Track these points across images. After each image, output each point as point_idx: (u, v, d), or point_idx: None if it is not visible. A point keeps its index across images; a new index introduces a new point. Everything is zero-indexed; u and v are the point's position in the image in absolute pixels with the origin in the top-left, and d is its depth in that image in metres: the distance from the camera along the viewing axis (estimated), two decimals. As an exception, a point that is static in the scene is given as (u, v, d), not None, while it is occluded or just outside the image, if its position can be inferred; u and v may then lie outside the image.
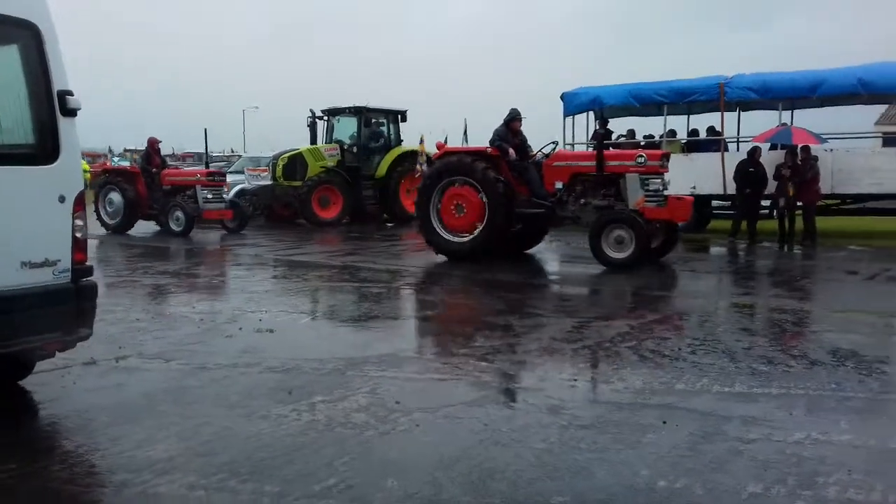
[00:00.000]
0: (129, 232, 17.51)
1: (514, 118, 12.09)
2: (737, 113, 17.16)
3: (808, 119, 16.73)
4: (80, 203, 4.61)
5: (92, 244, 14.44)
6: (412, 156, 20.57)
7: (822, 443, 3.97)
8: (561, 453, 3.85)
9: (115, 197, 17.49)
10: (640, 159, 10.90)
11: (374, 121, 20.73)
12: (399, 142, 21.01)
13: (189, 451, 3.88)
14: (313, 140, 20.60)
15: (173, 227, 16.43)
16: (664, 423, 4.25)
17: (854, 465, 3.68)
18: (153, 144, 18.19)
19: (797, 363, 5.64)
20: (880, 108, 29.44)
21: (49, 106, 4.43)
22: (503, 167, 11.52)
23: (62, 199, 4.50)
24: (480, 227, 11.40)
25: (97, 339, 6.26)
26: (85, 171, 42.06)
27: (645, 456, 3.79)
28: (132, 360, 5.70)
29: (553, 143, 12.50)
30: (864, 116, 30.77)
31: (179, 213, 16.41)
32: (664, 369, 5.43)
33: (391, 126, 21.04)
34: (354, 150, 20.37)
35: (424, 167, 15.96)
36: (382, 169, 20.06)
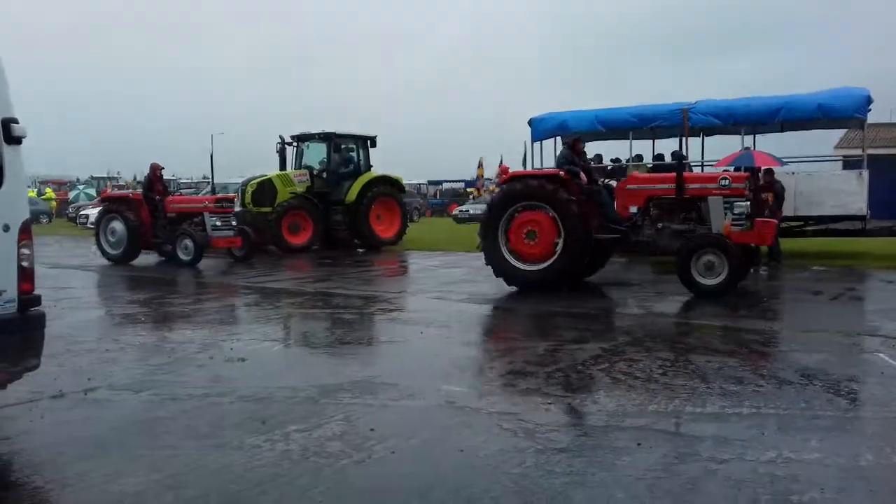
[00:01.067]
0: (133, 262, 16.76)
1: (577, 139, 11.78)
2: (700, 138, 17.49)
3: (769, 143, 17.12)
4: (25, 232, 4.54)
5: (84, 276, 14.35)
6: (383, 181, 20.64)
7: (794, 461, 4.02)
8: (537, 478, 3.85)
9: (118, 226, 16.61)
10: (723, 182, 10.52)
11: (343, 146, 20.78)
12: (368, 167, 21.06)
13: (159, 485, 3.82)
14: (283, 166, 20.57)
15: (181, 255, 15.63)
16: (638, 444, 4.28)
17: (826, 482, 3.74)
18: (155, 170, 17.26)
19: (767, 383, 5.72)
20: (839, 132, 30.17)
21: None
22: (575, 191, 11.06)
23: (6, 228, 4.43)
24: (557, 255, 10.87)
25: (65, 371, 6.21)
26: (50, 199, 41.29)
27: (621, 479, 3.81)
28: (101, 392, 5.60)
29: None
30: (824, 140, 31.48)
31: (188, 242, 15.65)
32: (637, 391, 5.47)
33: (360, 151, 21.10)
34: (324, 175, 20.38)
35: (488, 190, 15.45)
36: (352, 194, 20.07)
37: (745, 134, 16.33)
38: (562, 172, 11.15)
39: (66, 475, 3.96)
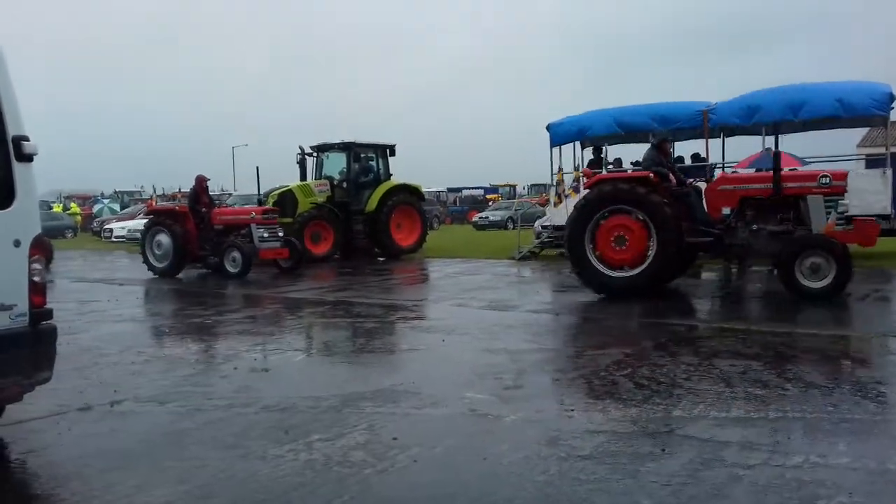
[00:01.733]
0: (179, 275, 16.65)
1: (664, 139, 11.45)
2: (721, 139, 17.37)
3: (791, 143, 16.94)
4: (37, 247, 4.63)
5: (108, 289, 14.52)
6: (403, 190, 20.71)
7: (822, 466, 3.98)
8: (561, 485, 3.83)
9: (164, 239, 16.42)
10: (823, 180, 10.12)
11: (363, 156, 20.87)
12: (388, 176, 21.14)
13: (187, 495, 3.85)
14: (303, 176, 20.70)
15: (229, 268, 15.55)
16: (663, 450, 4.25)
17: (854, 487, 3.69)
18: (201, 182, 17.19)
19: (793, 386, 5.66)
20: (862, 131, 29.86)
21: (3, 151, 4.47)
22: (665, 194, 10.72)
23: (17, 244, 4.51)
24: (649, 260, 10.46)
25: (92, 384, 6.29)
26: (75, 214, 41.73)
27: (645, 485, 3.79)
28: (127, 404, 5.66)
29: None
30: (847, 139, 31.18)
31: (236, 254, 15.53)
32: (661, 396, 5.44)
33: (380, 161, 21.19)
34: (344, 185, 20.48)
35: (570, 195, 14.67)
36: (372, 203, 20.15)
37: (767, 134, 16.17)
38: (651, 174, 10.75)
39: (93, 487, 4.00)
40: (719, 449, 4.27)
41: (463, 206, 52.97)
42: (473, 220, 42.25)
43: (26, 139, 4.56)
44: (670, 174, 11.03)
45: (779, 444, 4.34)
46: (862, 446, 4.33)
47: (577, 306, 10.55)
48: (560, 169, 17.58)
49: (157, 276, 16.32)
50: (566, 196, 15.04)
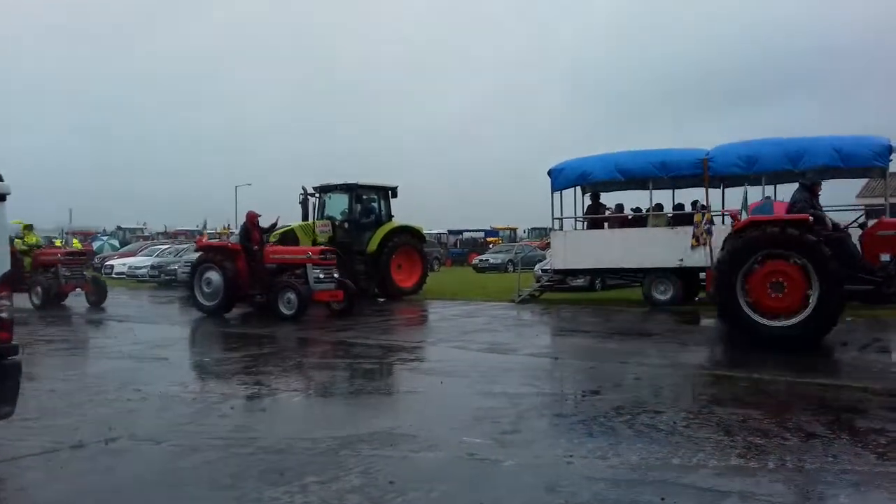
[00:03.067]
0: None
1: (815, 182, 11.05)
2: (721, 189, 17.50)
3: (791, 192, 17.01)
4: (4, 284, 4.74)
5: (106, 325, 14.51)
6: (404, 231, 20.80)
7: (822, 518, 3.93)
8: (559, 533, 3.79)
9: (214, 276, 15.80)
10: None
11: (364, 197, 20.99)
12: (390, 217, 21.23)
13: (180, 536, 3.81)
14: (305, 217, 20.79)
15: (283, 310, 14.66)
16: (662, 499, 4.21)
17: (855, 540, 3.65)
18: (252, 218, 16.37)
19: (792, 436, 5.62)
20: (860, 182, 30.06)
21: None
22: (822, 238, 10.09)
23: None
24: (810, 308, 9.84)
25: (87, 421, 6.24)
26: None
27: (644, 534, 3.74)
28: (122, 442, 5.62)
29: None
30: (847, 190, 31.36)
31: (291, 295, 14.70)
32: (660, 444, 5.40)
33: (382, 202, 21.31)
34: (346, 226, 20.56)
35: (710, 237, 13.68)
36: (374, 244, 20.21)
37: (767, 183, 16.28)
38: (808, 217, 10.14)
39: (86, 526, 3.96)
40: (719, 499, 4.23)
41: (463, 249, 53.04)
42: (474, 262, 42.28)
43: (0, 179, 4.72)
44: (825, 217, 10.60)
45: (779, 494, 4.30)
46: (863, 498, 4.30)
47: (576, 350, 10.52)
48: (703, 206, 16.90)
49: (205, 315, 15.68)
50: (705, 241, 14.15)
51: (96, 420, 6.31)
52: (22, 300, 17.36)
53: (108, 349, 11.13)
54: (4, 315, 4.79)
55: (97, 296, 19.06)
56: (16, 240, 19.40)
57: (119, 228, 52.63)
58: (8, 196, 4.81)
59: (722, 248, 11.00)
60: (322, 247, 16.53)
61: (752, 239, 10.28)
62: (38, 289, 18.38)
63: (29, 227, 20.28)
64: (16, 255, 17.89)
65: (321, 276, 15.36)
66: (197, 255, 18.03)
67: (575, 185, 18.25)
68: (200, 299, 16.12)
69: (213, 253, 16.50)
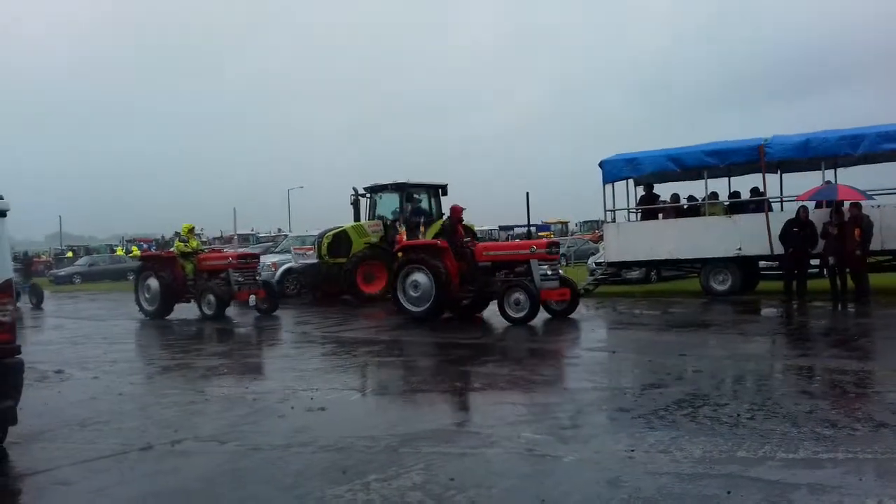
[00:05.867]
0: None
1: None
2: (779, 174, 17.10)
3: (851, 177, 16.56)
4: (4, 290, 5.33)
5: (169, 329, 14.86)
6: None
7: (897, 510, 3.81)
8: (623, 528, 3.74)
9: (422, 279, 13.82)
10: None
11: (415, 196, 21.06)
12: (440, 215, 21.25)
13: (247, 535, 3.87)
14: (357, 217, 20.98)
15: (510, 312, 12.83)
16: (728, 493, 4.13)
17: (933, 533, 3.52)
18: (457, 213, 14.72)
19: (862, 426, 5.46)
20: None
21: None
22: None
23: None
24: None
25: (153, 423, 6.41)
26: (136, 256, 43.30)
27: (711, 528, 3.67)
28: (188, 444, 5.74)
29: None
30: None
31: (520, 295, 12.79)
32: (724, 437, 5.29)
33: (432, 200, 21.35)
34: (397, 225, 20.65)
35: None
36: (425, 243, 20.25)
37: (826, 168, 15.84)
38: None
39: (157, 526, 4.06)
40: (788, 492, 4.13)
41: (515, 245, 52.82)
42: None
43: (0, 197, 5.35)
44: None
45: (850, 486, 4.18)
46: (940, 489, 4.14)
47: (634, 344, 10.39)
48: (760, 193, 16.15)
49: (416, 319, 13.90)
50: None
51: (162, 422, 6.47)
52: (185, 311, 17.24)
53: (168, 354, 11.35)
54: (7, 319, 5.31)
55: (270, 302, 17.23)
56: (177, 243, 18.57)
57: (176, 234, 53.72)
58: (7, 212, 5.43)
59: None
60: (548, 239, 14.33)
61: None
62: (210, 297, 16.45)
63: (191, 230, 18.47)
64: (176, 261, 17.42)
65: (549, 272, 13.40)
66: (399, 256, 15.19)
67: (627, 178, 18.04)
68: (405, 304, 14.25)
69: (418, 253, 14.35)
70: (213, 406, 7.26)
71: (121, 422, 6.56)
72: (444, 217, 14.38)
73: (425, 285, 13.90)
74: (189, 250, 17.61)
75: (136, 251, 47.34)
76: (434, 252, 14.10)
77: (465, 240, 14.60)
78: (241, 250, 22.16)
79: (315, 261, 20.63)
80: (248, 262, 17.51)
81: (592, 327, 12.93)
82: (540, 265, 13.28)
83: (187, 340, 13.40)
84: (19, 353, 5.42)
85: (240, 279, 16.90)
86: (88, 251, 55.13)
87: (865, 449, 4.86)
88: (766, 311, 14.24)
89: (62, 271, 43.03)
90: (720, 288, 16.23)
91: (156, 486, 4.79)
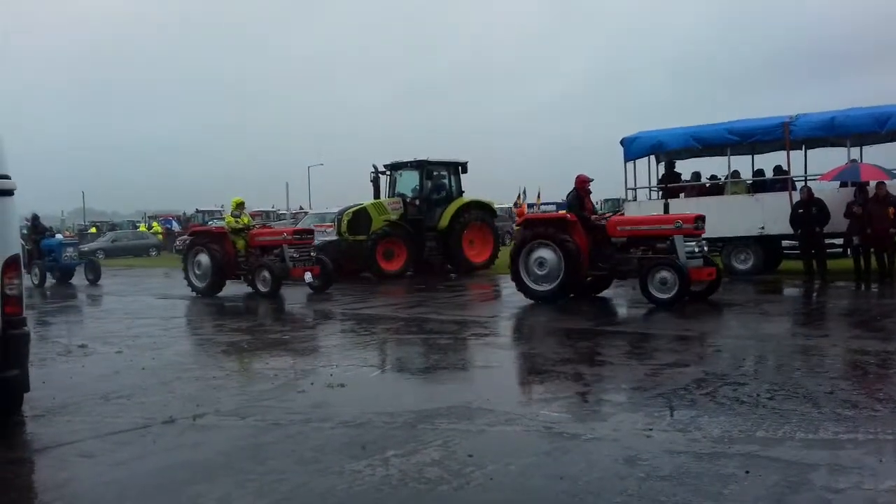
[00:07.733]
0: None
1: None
2: (803, 151, 16.85)
3: (878, 155, 16.29)
4: (11, 266, 5.59)
5: (189, 305, 14.98)
6: (475, 206, 20.79)
7: (918, 491, 3.79)
8: (640, 506, 3.75)
9: (548, 255, 12.69)
10: None
11: (435, 173, 21.01)
12: (460, 193, 21.22)
13: (267, 508, 3.92)
14: (377, 195, 20.99)
15: (655, 292, 11.86)
16: (747, 472, 4.12)
17: (954, 515, 3.50)
18: (583, 183, 13.39)
19: (884, 407, 5.41)
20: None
21: None
22: None
23: None
24: None
25: (175, 398, 6.50)
26: (157, 233, 43.54)
27: (728, 508, 3.67)
28: (209, 418, 5.81)
29: None
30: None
31: (668, 274, 11.81)
32: (743, 416, 5.27)
33: (452, 178, 21.30)
34: (417, 202, 20.66)
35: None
36: (445, 220, 20.26)
37: (851, 146, 15.60)
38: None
39: (180, 499, 4.12)
40: (807, 472, 4.11)
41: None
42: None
43: (7, 177, 5.61)
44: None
45: (870, 467, 4.15)
46: (962, 471, 4.10)
47: (653, 322, 10.35)
48: (783, 171, 15.68)
49: (540, 300, 12.79)
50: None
51: (184, 397, 6.55)
52: (236, 287, 16.80)
53: (190, 328, 11.46)
54: (15, 292, 5.58)
55: (324, 279, 16.53)
56: (228, 218, 17.75)
57: (198, 211, 53.99)
58: (14, 191, 5.67)
59: None
60: (696, 213, 12.83)
61: None
62: (265, 273, 15.85)
63: (241, 205, 17.31)
64: (227, 237, 16.77)
65: (696, 249, 12.32)
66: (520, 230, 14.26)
67: (648, 155, 17.85)
68: (528, 283, 13.05)
69: (545, 227, 13.23)
70: (233, 381, 7.34)
71: (143, 396, 6.65)
72: (571, 190, 13.38)
73: (552, 262, 12.73)
74: (240, 226, 16.89)
75: (157, 227, 47.74)
76: (562, 226, 12.89)
77: (599, 213, 13.55)
78: (294, 227, 21.80)
79: (335, 238, 20.70)
80: (304, 238, 16.84)
81: (612, 305, 12.89)
82: (687, 241, 12.15)
83: (208, 316, 13.53)
84: (26, 325, 5.74)
85: (294, 255, 16.21)
86: (112, 227, 55.61)
87: (886, 430, 4.83)
88: (788, 291, 14.13)
89: (85, 247, 43.51)
90: (742, 267, 16.10)
91: (177, 459, 4.86)
